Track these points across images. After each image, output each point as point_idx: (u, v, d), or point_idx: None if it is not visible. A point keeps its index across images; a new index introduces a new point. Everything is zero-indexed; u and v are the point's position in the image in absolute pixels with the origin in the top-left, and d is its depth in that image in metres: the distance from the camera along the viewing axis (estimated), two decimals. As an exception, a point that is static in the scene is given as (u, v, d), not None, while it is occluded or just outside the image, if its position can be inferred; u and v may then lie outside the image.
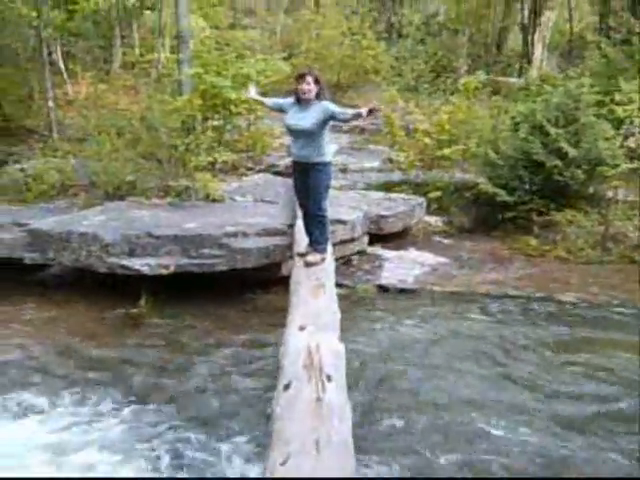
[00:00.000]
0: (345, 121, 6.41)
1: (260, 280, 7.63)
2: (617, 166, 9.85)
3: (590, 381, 5.37)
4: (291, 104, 6.15)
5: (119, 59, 17.67)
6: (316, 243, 6.35)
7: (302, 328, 4.47)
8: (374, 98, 14.44)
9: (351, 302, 7.18)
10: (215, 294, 7.37)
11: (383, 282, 7.91)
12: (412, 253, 9.11)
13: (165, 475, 4.21)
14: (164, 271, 7.21)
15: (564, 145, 9.71)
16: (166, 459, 4.33)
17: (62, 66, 16.18)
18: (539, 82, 15.52)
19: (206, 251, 7.34)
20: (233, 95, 10.88)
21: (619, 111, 10.72)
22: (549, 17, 21.16)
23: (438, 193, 10.71)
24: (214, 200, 9.26)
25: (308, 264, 6.16)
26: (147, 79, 15.03)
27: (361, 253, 8.87)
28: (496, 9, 24.03)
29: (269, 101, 6.71)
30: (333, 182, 6.77)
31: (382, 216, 9.30)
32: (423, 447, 4.37)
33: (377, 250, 9.10)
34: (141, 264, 7.22)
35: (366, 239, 9.03)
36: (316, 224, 6.35)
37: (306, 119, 5.92)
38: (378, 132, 14.07)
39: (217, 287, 7.43)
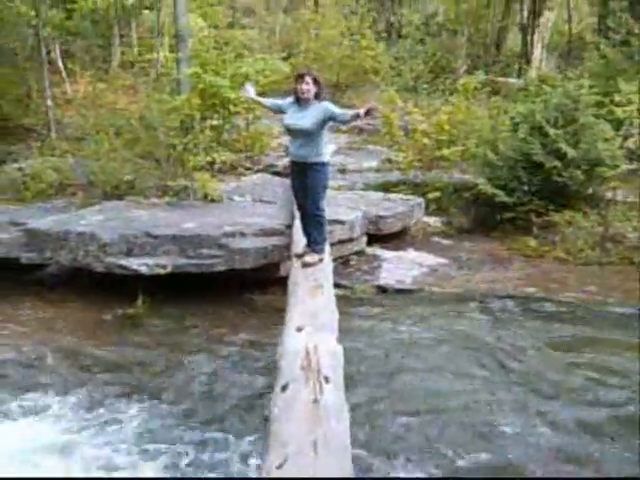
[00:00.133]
0: (344, 122, 6.41)
1: (258, 280, 7.61)
2: (616, 167, 9.85)
3: (596, 383, 5.34)
4: (290, 104, 6.13)
5: (118, 58, 17.63)
6: (314, 243, 6.33)
7: (300, 329, 4.44)
8: (373, 98, 14.45)
9: (349, 303, 7.15)
10: (213, 294, 7.35)
11: (381, 283, 7.89)
12: (411, 254, 9.09)
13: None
14: (162, 271, 7.19)
15: (563, 146, 9.70)
16: (170, 459, 4.35)
17: (61, 65, 16.15)
18: (538, 83, 15.50)
19: (204, 251, 7.32)
20: (232, 95, 10.87)
21: (618, 112, 10.72)
22: (548, 18, 21.15)
23: (437, 194, 10.69)
24: (212, 200, 9.24)
25: (306, 264, 6.13)
26: (146, 78, 15.02)
27: (359, 253, 8.85)
28: (495, 9, 24.01)
29: (267, 101, 6.69)
30: (331, 182, 6.76)
31: (381, 216, 9.28)
32: (444, 447, 4.38)
33: (375, 250, 9.08)
34: (139, 264, 7.20)
35: (364, 239, 9.01)
36: (314, 224, 6.32)
37: (305, 119, 5.90)
38: (377, 132, 14.05)
39: (215, 287, 7.41)
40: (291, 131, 6.12)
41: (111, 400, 5.16)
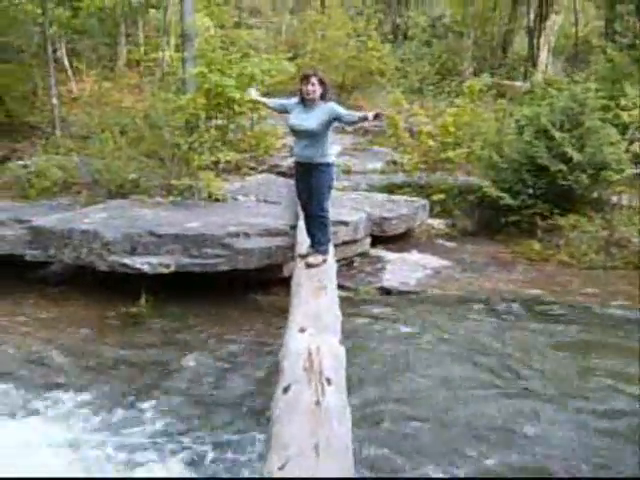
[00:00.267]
0: (351, 123, 6.43)
1: (262, 281, 7.61)
2: (622, 171, 9.82)
3: (612, 390, 5.30)
4: (295, 104, 6.11)
5: (124, 57, 17.64)
6: (317, 244, 6.32)
7: (303, 330, 4.43)
8: (379, 100, 14.46)
9: (353, 304, 7.14)
10: (216, 294, 7.35)
11: (385, 284, 7.88)
12: (414, 255, 9.07)
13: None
14: (165, 270, 7.19)
15: (569, 149, 9.67)
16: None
17: (67, 63, 16.15)
18: (544, 86, 15.47)
19: (208, 251, 7.32)
20: (237, 94, 10.85)
21: (624, 116, 10.69)
22: (555, 21, 21.10)
23: (441, 196, 10.67)
24: (216, 200, 9.24)
25: (309, 265, 6.11)
26: (151, 77, 15.02)
27: (363, 255, 8.83)
28: (502, 12, 23.98)
29: (272, 102, 6.67)
30: (336, 183, 6.74)
31: (385, 218, 9.26)
32: (468, 449, 4.38)
33: (379, 252, 9.07)
34: (142, 263, 7.20)
35: (368, 241, 9.00)
36: (318, 225, 6.31)
37: (310, 119, 5.89)
38: (382, 134, 14.03)
39: (219, 287, 7.41)
40: (296, 132, 6.10)
41: (126, 399, 5.16)
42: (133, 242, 7.37)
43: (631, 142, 10.50)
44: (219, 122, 11.57)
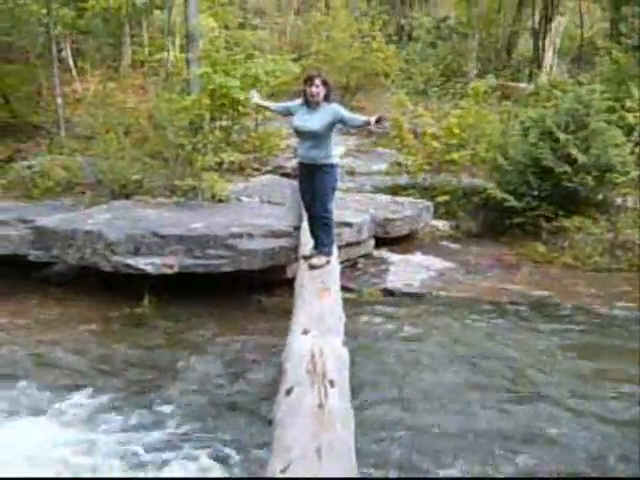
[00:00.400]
0: (354, 127, 6.51)
1: (265, 282, 7.58)
2: (627, 173, 9.79)
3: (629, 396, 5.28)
4: (299, 106, 6.10)
5: (128, 57, 17.63)
6: (321, 245, 6.30)
7: (306, 332, 4.41)
8: (383, 101, 14.43)
9: (356, 306, 7.11)
10: (220, 295, 7.33)
11: (389, 286, 7.86)
12: (418, 257, 9.05)
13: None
14: (168, 271, 7.18)
15: (573, 151, 9.64)
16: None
17: (71, 63, 16.15)
18: (549, 87, 15.43)
19: (211, 252, 7.31)
20: (241, 95, 10.84)
21: (630, 118, 10.65)
22: (560, 22, 21.04)
23: (446, 197, 10.63)
24: (220, 200, 9.23)
25: (313, 267, 6.09)
26: (156, 78, 15.01)
27: (367, 256, 8.81)
28: (506, 14, 23.90)
29: (275, 105, 6.70)
30: (340, 184, 6.73)
31: (389, 219, 9.24)
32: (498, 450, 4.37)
33: (383, 253, 9.05)
34: (145, 263, 7.20)
35: (372, 242, 8.98)
36: (321, 226, 6.29)
37: (314, 121, 5.88)
38: (386, 135, 13.99)
39: (222, 288, 7.39)
40: (300, 133, 6.09)
41: (140, 400, 5.16)
42: (136, 243, 7.36)
43: (636, 144, 10.45)
44: (223, 123, 11.56)
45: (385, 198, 10.29)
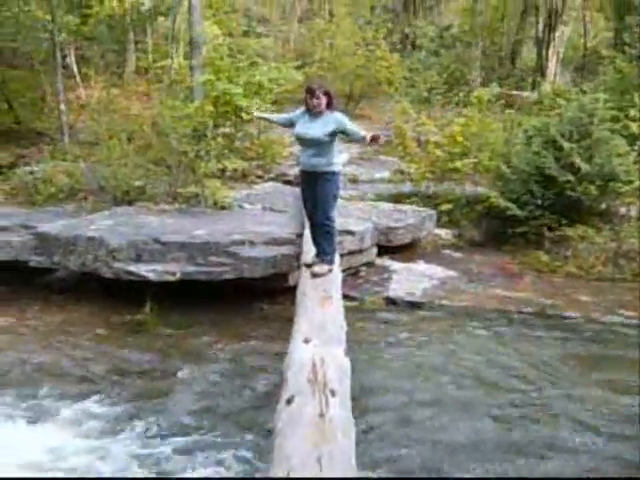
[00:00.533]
0: (353, 140, 6.51)
1: (267, 290, 7.56)
2: (631, 182, 9.75)
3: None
4: (301, 114, 6.12)
5: (132, 64, 17.71)
6: (323, 254, 6.28)
7: (307, 341, 4.38)
8: (387, 109, 14.43)
9: (358, 314, 7.08)
10: (222, 303, 7.31)
11: (391, 294, 7.82)
12: (421, 266, 9.01)
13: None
14: (170, 278, 7.16)
15: (577, 160, 9.62)
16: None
17: (75, 70, 16.20)
18: (552, 96, 15.43)
19: (213, 259, 7.29)
20: (244, 102, 10.86)
21: (633, 127, 10.63)
22: (563, 32, 21.11)
23: (449, 206, 10.60)
24: (222, 207, 9.22)
25: (315, 275, 6.08)
26: (159, 85, 15.04)
27: (369, 265, 8.78)
28: (510, 23, 23.96)
29: (277, 117, 6.75)
30: (342, 192, 6.72)
31: (391, 228, 9.22)
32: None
33: (385, 262, 9.01)
34: (147, 270, 7.18)
35: (375, 250, 8.95)
36: (323, 234, 6.28)
37: (316, 128, 5.88)
38: (389, 143, 14.00)
39: (224, 296, 7.37)
40: (302, 140, 6.10)
41: (143, 408, 5.14)
42: (138, 249, 7.35)
43: (640, 153, 10.43)
44: (226, 130, 11.57)
45: (388, 206, 10.27)
